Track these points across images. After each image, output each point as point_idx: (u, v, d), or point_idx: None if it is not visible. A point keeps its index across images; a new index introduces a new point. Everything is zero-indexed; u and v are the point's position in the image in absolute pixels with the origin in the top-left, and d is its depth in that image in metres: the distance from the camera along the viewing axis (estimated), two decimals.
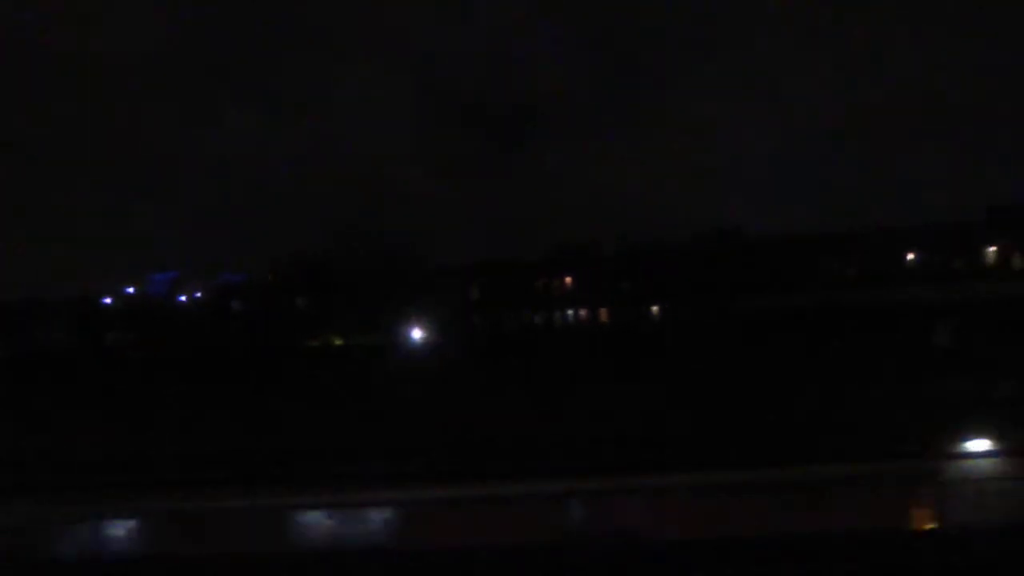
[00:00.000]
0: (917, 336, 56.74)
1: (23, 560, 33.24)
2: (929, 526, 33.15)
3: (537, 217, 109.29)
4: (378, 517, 37.09)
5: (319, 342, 66.96)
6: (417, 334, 67.06)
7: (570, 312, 69.23)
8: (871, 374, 50.93)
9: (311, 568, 31.27)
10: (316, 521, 37.62)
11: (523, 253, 74.20)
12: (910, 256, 65.89)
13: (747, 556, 28.39)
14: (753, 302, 63.25)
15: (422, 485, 39.54)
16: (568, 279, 69.72)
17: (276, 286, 71.35)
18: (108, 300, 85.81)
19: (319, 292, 70.61)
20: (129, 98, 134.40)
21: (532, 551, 29.15)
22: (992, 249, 64.86)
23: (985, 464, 40.06)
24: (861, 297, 63.13)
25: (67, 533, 37.83)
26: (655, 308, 67.48)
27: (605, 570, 27.96)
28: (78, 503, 39.94)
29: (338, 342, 67.20)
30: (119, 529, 38.01)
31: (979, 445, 41.56)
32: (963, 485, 37.60)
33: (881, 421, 43.27)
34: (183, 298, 76.96)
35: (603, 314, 68.74)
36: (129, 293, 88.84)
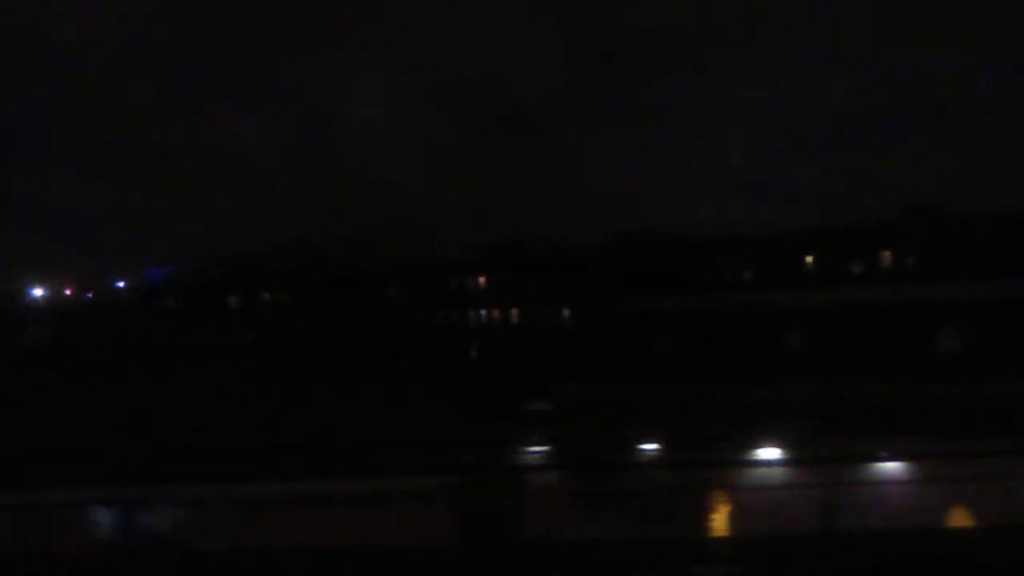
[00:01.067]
0: (775, 340, 57.56)
1: None
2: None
3: (528, 216, 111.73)
4: None
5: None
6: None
7: (483, 312, 71.78)
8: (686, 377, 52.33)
9: None
10: None
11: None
12: (808, 259, 66.09)
13: None
14: (643, 303, 64.58)
15: None
16: (482, 279, 72.19)
17: (204, 284, 75.36)
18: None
19: (251, 291, 74.69)
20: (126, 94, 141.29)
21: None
22: (888, 253, 64.56)
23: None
24: (755, 300, 63.63)
25: None
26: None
27: None
28: None
29: None
30: None
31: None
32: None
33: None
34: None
35: (515, 314, 71.12)
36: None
